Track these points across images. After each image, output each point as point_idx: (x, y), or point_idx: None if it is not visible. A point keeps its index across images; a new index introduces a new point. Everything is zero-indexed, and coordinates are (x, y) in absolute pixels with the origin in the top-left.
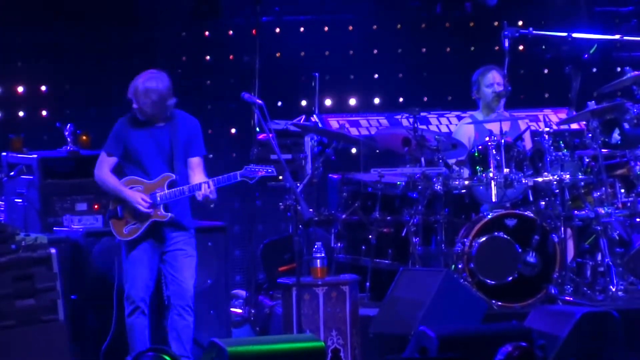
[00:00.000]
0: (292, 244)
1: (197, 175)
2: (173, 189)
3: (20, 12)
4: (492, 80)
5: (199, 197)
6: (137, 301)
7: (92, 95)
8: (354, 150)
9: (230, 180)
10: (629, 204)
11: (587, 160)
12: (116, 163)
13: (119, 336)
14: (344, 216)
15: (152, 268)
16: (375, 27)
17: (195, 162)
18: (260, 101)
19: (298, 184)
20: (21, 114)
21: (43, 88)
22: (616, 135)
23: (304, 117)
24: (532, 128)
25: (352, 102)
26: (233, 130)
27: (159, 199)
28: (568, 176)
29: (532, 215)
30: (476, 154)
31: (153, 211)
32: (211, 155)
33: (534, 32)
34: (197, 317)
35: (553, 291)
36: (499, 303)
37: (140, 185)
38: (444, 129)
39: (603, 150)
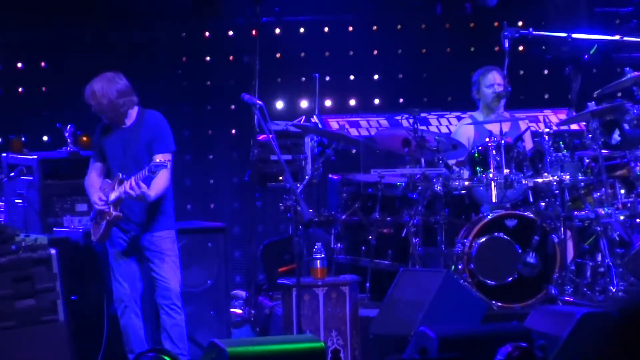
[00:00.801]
0: (292, 245)
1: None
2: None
3: (20, 12)
4: (493, 80)
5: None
6: (125, 300)
7: None
8: (353, 151)
9: (143, 175)
10: (629, 205)
11: (587, 161)
12: (102, 167)
13: (113, 341)
14: (343, 217)
15: (137, 268)
16: (375, 27)
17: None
18: (260, 102)
19: (298, 185)
20: (21, 114)
21: (43, 88)
22: (616, 136)
23: (304, 117)
24: (532, 129)
25: (352, 102)
26: (233, 131)
27: (109, 199)
28: (568, 177)
29: (532, 215)
30: (476, 155)
31: (108, 210)
32: (211, 156)
33: (534, 32)
34: (197, 318)
35: (553, 292)
36: (499, 303)
37: (107, 187)
38: (444, 130)
39: (603, 151)
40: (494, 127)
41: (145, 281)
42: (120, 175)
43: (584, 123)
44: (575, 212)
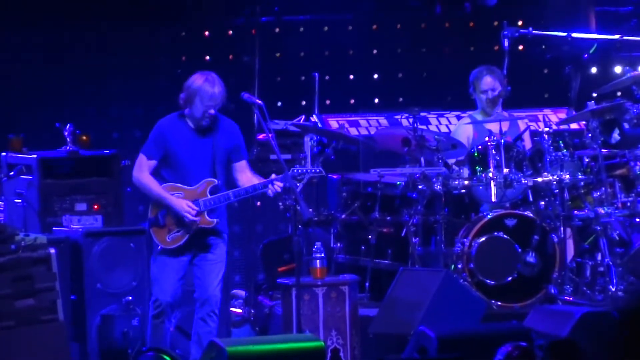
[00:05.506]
0: (291, 244)
1: (247, 176)
2: (217, 195)
3: (20, 12)
4: (486, 86)
5: (270, 194)
6: (163, 305)
7: (91, 95)
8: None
9: (281, 180)
10: (628, 204)
11: (587, 160)
12: (155, 166)
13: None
14: (343, 216)
15: (181, 274)
16: (374, 27)
17: (243, 165)
18: (259, 101)
19: (297, 184)
20: (21, 113)
21: (43, 88)
22: (616, 135)
23: (303, 117)
24: (532, 128)
25: (352, 102)
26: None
27: (202, 205)
28: (568, 176)
29: (531, 215)
30: (476, 154)
31: (200, 219)
32: None
33: (534, 32)
34: None
35: (553, 291)
36: (499, 303)
37: (181, 192)
38: (443, 129)
39: (603, 150)
40: (494, 127)
41: (183, 284)
42: (215, 181)
43: (584, 122)
44: (575, 212)
